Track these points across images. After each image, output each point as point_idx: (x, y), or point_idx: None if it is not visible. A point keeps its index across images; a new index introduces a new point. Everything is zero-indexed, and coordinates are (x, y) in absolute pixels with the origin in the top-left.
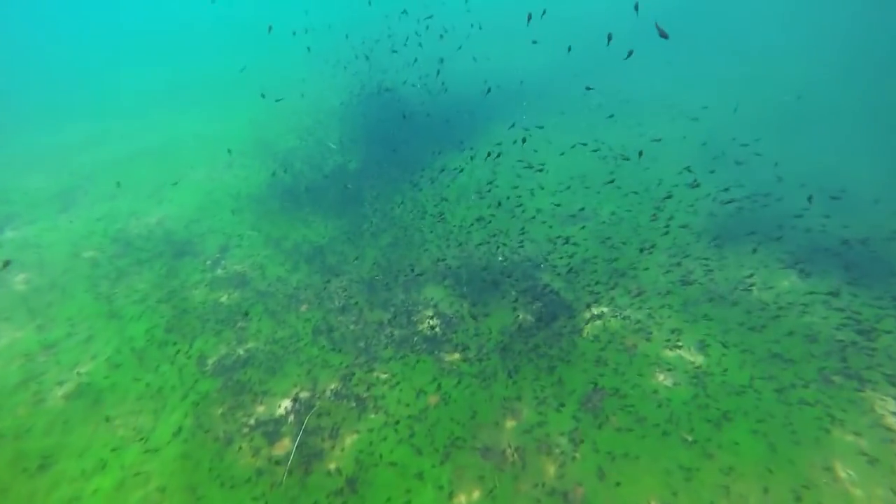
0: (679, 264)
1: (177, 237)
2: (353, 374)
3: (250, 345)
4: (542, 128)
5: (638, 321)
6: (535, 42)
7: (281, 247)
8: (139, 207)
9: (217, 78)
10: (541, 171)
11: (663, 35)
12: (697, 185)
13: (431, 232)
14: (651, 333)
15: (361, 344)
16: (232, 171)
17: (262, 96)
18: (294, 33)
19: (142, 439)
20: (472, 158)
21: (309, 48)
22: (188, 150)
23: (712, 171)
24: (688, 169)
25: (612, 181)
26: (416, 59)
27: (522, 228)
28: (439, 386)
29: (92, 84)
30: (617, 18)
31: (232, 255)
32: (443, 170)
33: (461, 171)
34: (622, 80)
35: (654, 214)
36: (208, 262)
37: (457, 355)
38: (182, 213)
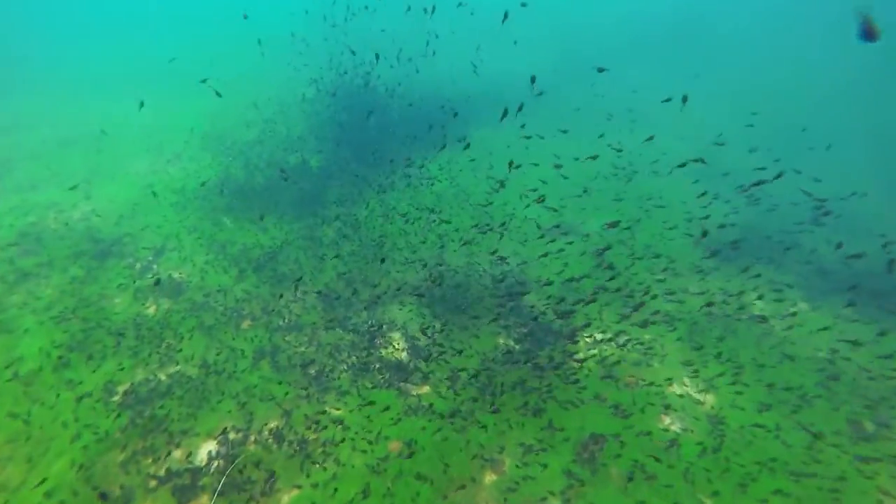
0: (681, 286)
1: (102, 235)
2: (299, 408)
3: (176, 368)
4: (543, 138)
5: (637, 351)
6: (515, 42)
7: (227, 251)
8: (62, 199)
9: (175, 65)
10: (536, 189)
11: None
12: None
13: (402, 240)
14: (653, 366)
15: (312, 371)
16: (179, 163)
17: (203, 81)
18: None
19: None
20: (448, 162)
21: (260, 41)
22: (130, 139)
23: (725, 174)
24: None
25: (599, 195)
26: (400, 53)
27: (504, 240)
28: (403, 428)
29: (33, 59)
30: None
31: (167, 258)
32: (421, 166)
33: (436, 175)
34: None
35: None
36: (137, 266)
37: (426, 388)
38: (113, 208)
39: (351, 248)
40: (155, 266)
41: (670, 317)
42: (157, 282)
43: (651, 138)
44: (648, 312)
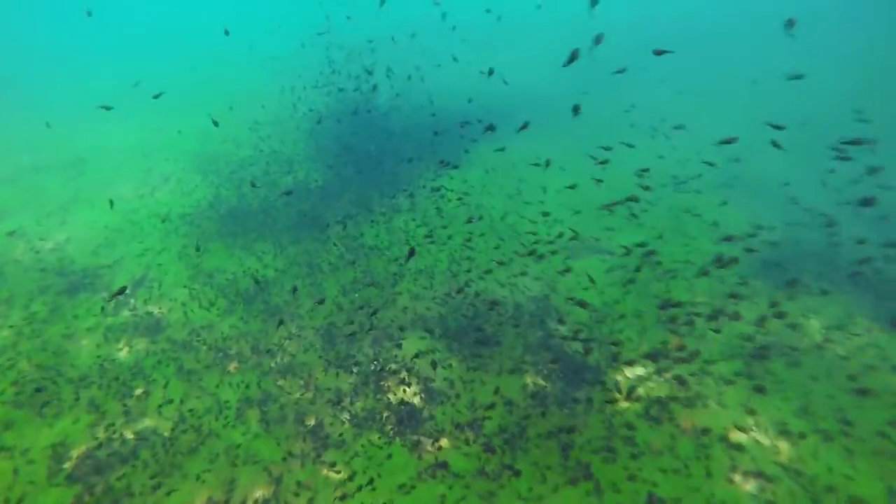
0: (734, 311)
1: (75, 267)
2: (290, 472)
3: (145, 424)
4: (548, 163)
5: (688, 388)
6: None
7: (214, 281)
8: (32, 228)
9: (167, 87)
10: (543, 198)
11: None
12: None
13: (411, 266)
14: (709, 406)
15: (309, 422)
16: (167, 186)
17: (156, 97)
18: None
19: None
20: (464, 181)
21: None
22: (114, 163)
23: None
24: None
25: (634, 208)
26: (409, 75)
27: (526, 263)
28: (418, 498)
29: (13, 81)
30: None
31: (147, 291)
32: (437, 189)
33: (447, 192)
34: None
35: (689, 244)
36: (112, 302)
37: (444, 442)
38: (90, 236)
39: (354, 276)
40: (132, 300)
41: (722, 346)
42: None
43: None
44: (695, 340)
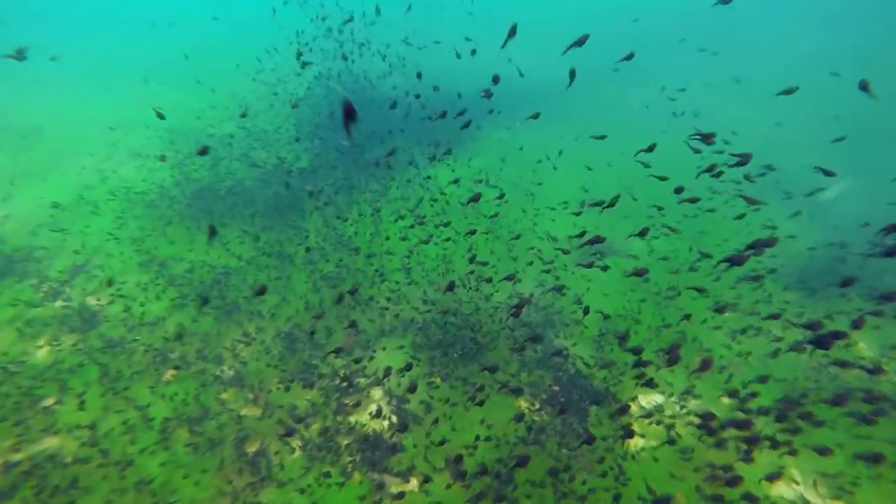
0: (762, 328)
1: (5, 248)
2: None
3: (44, 446)
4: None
5: (712, 421)
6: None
7: (167, 271)
8: None
9: (148, 61)
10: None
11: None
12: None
13: (393, 261)
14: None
15: (250, 448)
16: (133, 162)
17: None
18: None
19: None
20: (470, 160)
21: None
22: (77, 135)
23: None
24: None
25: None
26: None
27: (521, 264)
28: None
29: None
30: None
31: (87, 279)
32: (428, 177)
33: (441, 180)
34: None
35: (710, 255)
36: (43, 289)
37: (413, 483)
38: (33, 214)
39: (329, 270)
40: (67, 290)
41: (753, 371)
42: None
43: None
44: (722, 366)
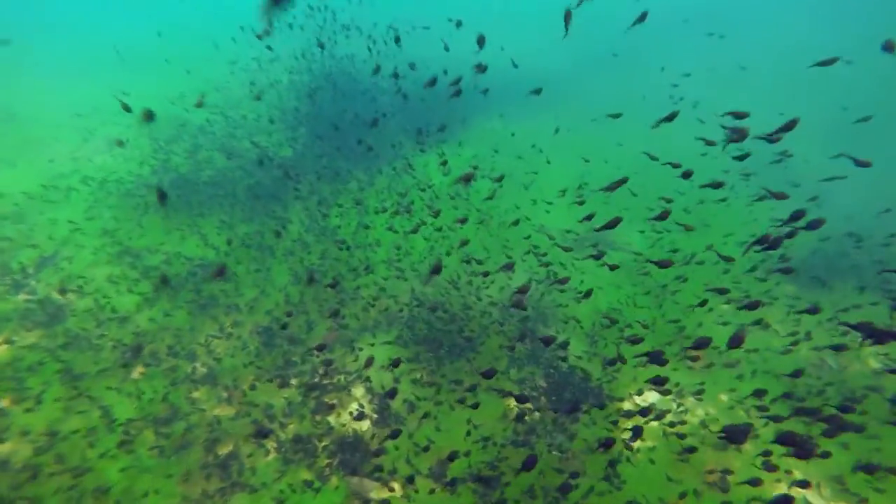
0: (759, 320)
1: None
2: None
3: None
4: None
5: (713, 422)
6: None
7: (141, 263)
8: None
9: (131, 45)
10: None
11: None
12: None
13: (378, 252)
14: (745, 450)
15: (222, 451)
16: (110, 150)
17: (117, 52)
18: None
19: None
20: (461, 148)
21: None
22: (53, 121)
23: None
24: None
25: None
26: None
27: (514, 254)
28: None
29: None
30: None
31: (54, 271)
32: (410, 166)
33: (431, 170)
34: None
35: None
36: (6, 282)
37: (395, 488)
38: (1, 202)
39: (311, 262)
40: (31, 282)
41: (756, 368)
42: None
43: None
44: (723, 362)
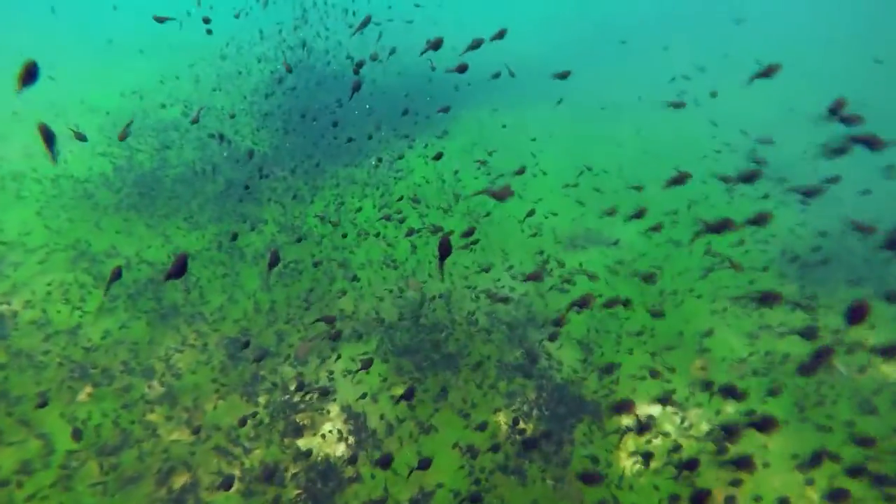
0: (767, 322)
1: None
2: None
3: None
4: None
5: (719, 436)
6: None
7: (97, 269)
8: None
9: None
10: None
11: None
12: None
13: (357, 254)
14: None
15: (176, 484)
16: (70, 146)
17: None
18: None
19: None
20: (445, 144)
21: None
22: (2, 116)
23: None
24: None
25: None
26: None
27: (503, 255)
28: None
29: None
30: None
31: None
32: (395, 160)
33: (410, 164)
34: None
35: (709, 246)
36: None
37: None
38: None
39: (283, 267)
40: None
41: (760, 373)
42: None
43: None
44: (726, 367)
